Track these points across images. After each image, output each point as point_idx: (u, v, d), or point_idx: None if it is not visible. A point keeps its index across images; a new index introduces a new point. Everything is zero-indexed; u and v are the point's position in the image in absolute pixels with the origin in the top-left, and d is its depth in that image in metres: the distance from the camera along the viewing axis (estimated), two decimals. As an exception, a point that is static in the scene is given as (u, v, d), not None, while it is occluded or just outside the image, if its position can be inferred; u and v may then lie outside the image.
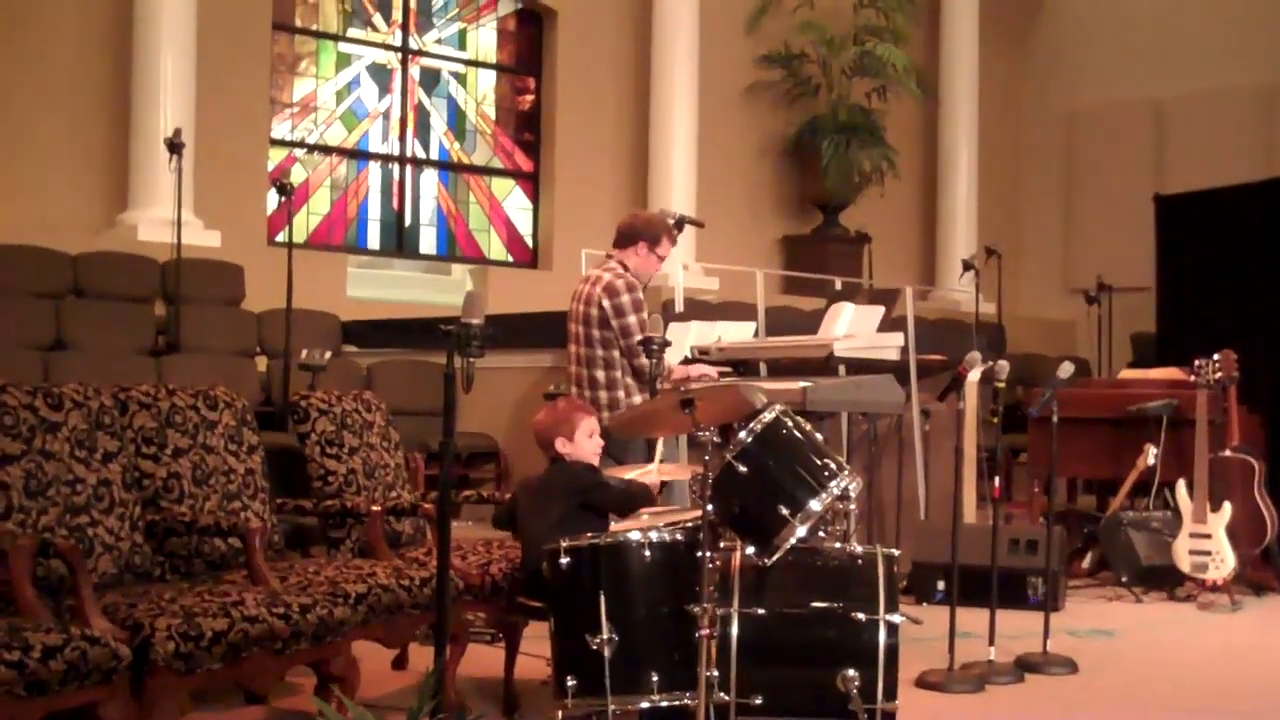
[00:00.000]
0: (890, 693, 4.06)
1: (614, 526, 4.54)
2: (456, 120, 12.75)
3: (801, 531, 4.15)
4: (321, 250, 11.50)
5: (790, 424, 4.31)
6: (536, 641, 4.68)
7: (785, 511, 4.13)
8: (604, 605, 4.00)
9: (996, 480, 5.72)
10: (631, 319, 6.05)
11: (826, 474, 4.24)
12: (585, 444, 4.68)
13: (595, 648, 3.98)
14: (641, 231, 6.26)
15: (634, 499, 4.67)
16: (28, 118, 9.84)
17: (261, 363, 9.15)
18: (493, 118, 12.97)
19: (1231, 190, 9.96)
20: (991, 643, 5.52)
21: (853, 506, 4.38)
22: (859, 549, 4.31)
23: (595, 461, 4.72)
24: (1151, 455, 7.82)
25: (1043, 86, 15.92)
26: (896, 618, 4.09)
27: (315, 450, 5.19)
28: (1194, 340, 8.37)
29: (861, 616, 4.09)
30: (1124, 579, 7.59)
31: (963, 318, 12.20)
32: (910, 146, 14.75)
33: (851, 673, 4.03)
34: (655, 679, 4.00)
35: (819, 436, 4.40)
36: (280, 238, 10.37)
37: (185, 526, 4.33)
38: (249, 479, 4.78)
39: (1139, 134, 14.87)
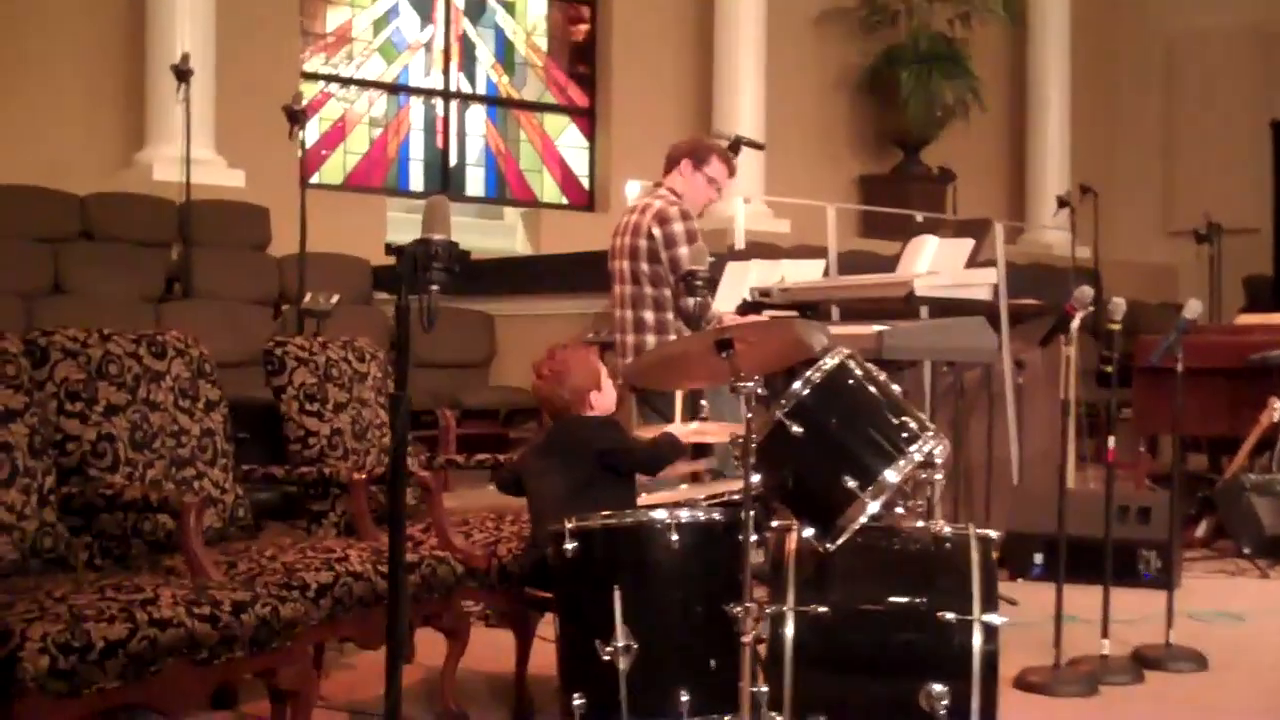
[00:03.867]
0: (988, 712, 3.22)
1: (643, 499, 3.71)
2: (505, 52, 11.93)
3: (874, 508, 3.33)
4: (359, 192, 10.80)
5: (859, 373, 3.47)
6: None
7: (852, 484, 3.30)
8: (619, 604, 3.17)
9: (1111, 440, 4.83)
10: (683, 250, 5.24)
11: (905, 436, 3.39)
12: (611, 394, 3.87)
13: (607, 658, 3.15)
14: (684, 150, 5.53)
15: (663, 454, 3.81)
16: (37, 51, 9.16)
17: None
18: (544, 49, 12.14)
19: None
20: (1105, 635, 4.65)
21: (938, 476, 3.49)
22: (946, 529, 3.44)
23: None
24: (1276, 410, 7.04)
25: (1140, 8, 14.93)
26: (996, 619, 3.23)
27: (293, 407, 4.39)
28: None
29: (951, 617, 3.25)
30: (1246, 550, 6.85)
31: (1055, 261, 11.50)
32: (997, 76, 13.94)
33: (938, 688, 3.21)
34: (685, 698, 3.19)
35: (896, 389, 3.55)
36: (315, 179, 9.73)
37: (106, 501, 3.52)
38: (206, 441, 3.97)
39: (1246, 58, 13.86)
